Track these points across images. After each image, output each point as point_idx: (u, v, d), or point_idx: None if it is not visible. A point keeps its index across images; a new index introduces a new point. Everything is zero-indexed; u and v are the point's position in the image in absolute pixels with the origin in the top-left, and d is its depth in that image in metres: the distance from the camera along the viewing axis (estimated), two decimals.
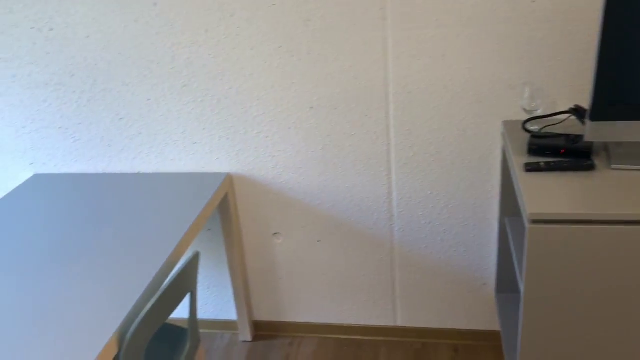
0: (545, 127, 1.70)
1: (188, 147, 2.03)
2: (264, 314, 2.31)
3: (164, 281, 1.52)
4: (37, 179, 2.11)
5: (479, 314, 2.15)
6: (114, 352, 1.29)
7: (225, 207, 2.05)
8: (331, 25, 1.76)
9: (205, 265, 2.25)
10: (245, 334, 2.29)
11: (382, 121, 1.87)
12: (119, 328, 1.31)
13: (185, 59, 1.88)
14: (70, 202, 1.91)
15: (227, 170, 2.05)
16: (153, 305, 1.34)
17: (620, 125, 1.39)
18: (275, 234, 2.14)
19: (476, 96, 1.79)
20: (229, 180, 2.03)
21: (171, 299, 1.42)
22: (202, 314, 2.35)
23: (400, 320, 2.22)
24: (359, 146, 1.93)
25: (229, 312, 2.33)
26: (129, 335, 1.29)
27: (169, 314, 1.43)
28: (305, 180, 2.01)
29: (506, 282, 2.03)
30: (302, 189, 2.03)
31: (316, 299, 2.24)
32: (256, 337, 2.31)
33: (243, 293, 2.20)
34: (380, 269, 2.13)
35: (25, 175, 2.18)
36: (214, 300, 2.32)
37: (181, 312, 2.34)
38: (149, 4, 1.82)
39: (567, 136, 1.56)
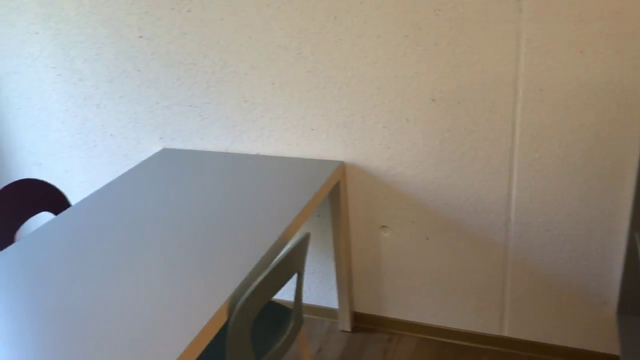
0: None
1: (306, 133, 2.06)
2: (365, 306, 2.30)
3: (274, 258, 1.56)
4: (165, 153, 2.24)
5: (595, 334, 2.00)
6: (223, 319, 1.34)
7: (336, 195, 2.06)
8: (462, 16, 1.71)
9: (311, 250, 2.28)
10: (345, 324, 2.30)
11: (507, 119, 1.79)
12: (230, 297, 1.35)
13: (311, 45, 1.91)
14: (193, 177, 2.02)
15: (342, 159, 2.06)
16: (263, 279, 1.37)
17: None
18: (383, 226, 2.12)
19: (614, 98, 1.66)
20: (342, 169, 2.04)
21: (280, 275, 1.45)
22: (305, 298, 2.39)
23: (507, 330, 2.12)
24: (480, 143, 1.86)
25: (330, 299, 2.35)
26: (239, 305, 1.33)
27: (277, 290, 1.46)
28: (420, 174, 1.97)
29: (631, 303, 1.86)
30: (416, 183, 1.99)
31: (419, 298, 2.19)
32: (355, 329, 2.31)
33: (346, 283, 2.21)
34: (490, 274, 2.04)
35: (155, 148, 2.32)
36: (317, 286, 2.34)
37: (285, 294, 2.39)
38: None
39: None
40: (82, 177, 2.53)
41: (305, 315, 2.41)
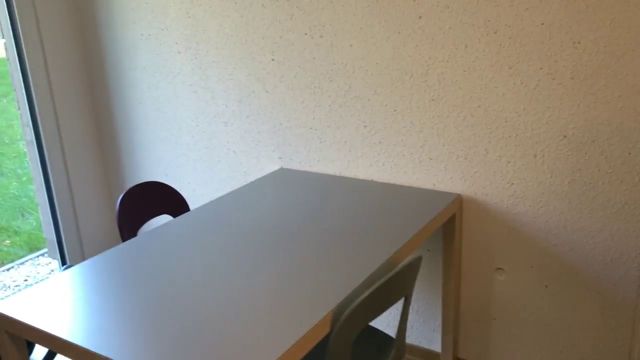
0: None
1: (423, 162, 2.02)
2: (469, 352, 2.16)
3: (381, 279, 1.51)
4: (282, 172, 2.29)
5: None
6: (325, 329, 1.30)
7: (449, 230, 1.98)
8: (604, 49, 1.61)
9: (418, 287, 2.20)
10: None
11: None
12: (335, 309, 1.32)
13: (438, 73, 1.89)
14: (306, 195, 2.03)
15: (459, 191, 1.98)
16: (370, 294, 1.33)
17: None
18: (499, 269, 2.00)
19: None
20: (458, 202, 1.96)
21: (387, 293, 1.40)
22: (406, 338, 2.29)
23: None
24: (615, 187, 1.71)
25: (433, 342, 2.23)
26: (343, 317, 1.29)
27: (382, 310, 1.41)
28: (544, 215, 1.85)
29: None
30: (539, 224, 1.87)
31: (531, 351, 2.02)
32: None
33: (451, 325, 2.09)
34: (616, 336, 1.84)
35: (273, 167, 2.39)
36: (420, 326, 2.24)
37: (387, 328, 2.31)
38: (414, 17, 1.88)
39: None
40: (203, 190, 2.65)
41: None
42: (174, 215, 2.13)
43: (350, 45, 2.03)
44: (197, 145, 2.59)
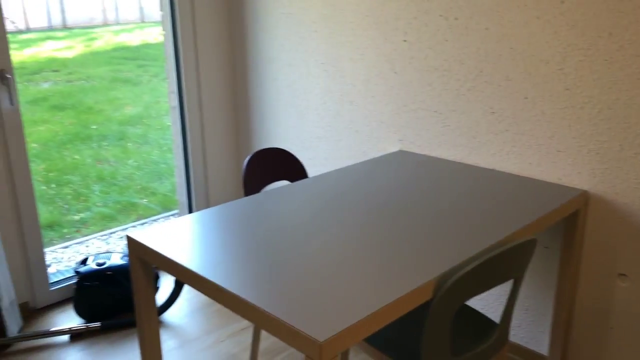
0: None
1: (551, 154, 1.94)
2: None
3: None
4: (401, 155, 2.31)
5: None
6: (427, 295, 1.31)
7: (571, 227, 1.88)
8: None
9: (530, 283, 2.11)
10: None
11: None
12: (439, 276, 1.32)
13: (576, 62, 1.81)
14: (423, 178, 2.04)
15: (586, 187, 1.88)
16: (477, 265, 1.31)
17: None
18: (621, 275, 1.87)
19: None
20: (583, 199, 1.86)
21: (496, 269, 1.37)
22: (512, 336, 2.21)
23: None
24: None
25: (540, 343, 2.14)
26: (447, 284, 1.29)
27: (488, 285, 1.39)
28: None
29: None
30: None
31: None
32: None
33: (563, 329, 1.99)
34: None
35: (392, 149, 2.41)
36: (528, 325, 2.15)
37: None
38: (557, 1, 1.81)
39: None
40: (323, 167, 2.74)
41: (509, 354, 2.23)
42: (293, 181, 2.24)
43: (486, 29, 2.00)
44: (322, 122, 2.68)
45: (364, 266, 1.36)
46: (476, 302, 2.27)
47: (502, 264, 1.38)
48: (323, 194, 1.85)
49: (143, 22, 16.03)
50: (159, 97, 7.87)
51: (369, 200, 1.79)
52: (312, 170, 2.79)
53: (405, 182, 1.96)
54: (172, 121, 3.13)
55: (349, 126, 2.57)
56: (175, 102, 3.05)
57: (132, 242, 1.54)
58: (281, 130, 2.90)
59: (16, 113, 2.38)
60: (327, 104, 2.64)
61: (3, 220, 2.42)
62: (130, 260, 1.59)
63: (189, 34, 2.90)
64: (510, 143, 2.04)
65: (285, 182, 2.65)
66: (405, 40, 2.26)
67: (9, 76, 2.33)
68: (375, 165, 2.17)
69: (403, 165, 2.16)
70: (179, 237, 1.53)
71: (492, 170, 2.08)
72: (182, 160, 3.12)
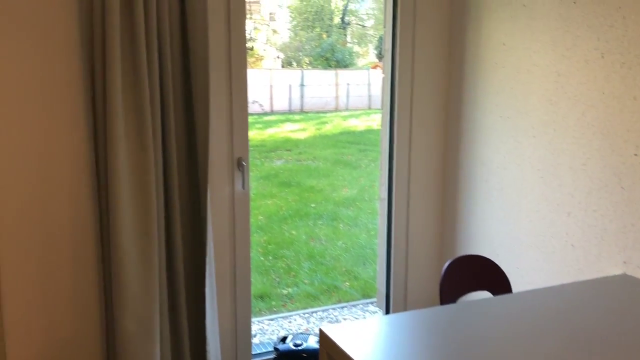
0: None
1: None
2: None
3: None
4: (624, 279, 2.04)
5: None
6: None
7: None
8: None
9: None
10: None
11: None
12: None
13: None
14: None
15: None
16: None
17: None
18: None
19: None
20: None
21: None
22: None
23: None
24: None
25: None
26: None
27: None
28: None
29: None
30: None
31: None
32: None
33: None
34: None
35: (614, 271, 2.15)
36: None
37: None
38: None
39: None
40: (530, 277, 2.55)
41: None
42: (494, 293, 2.12)
43: None
44: (534, 230, 2.52)
45: None
46: None
47: None
48: (526, 315, 1.71)
49: (370, 108, 17.18)
50: (374, 181, 8.23)
51: (579, 332, 1.60)
52: (516, 280, 2.61)
53: (629, 316, 1.72)
54: (379, 212, 3.23)
55: (564, 239, 2.37)
56: (384, 194, 3.15)
57: (324, 336, 1.60)
58: (487, 234, 2.80)
59: (246, 195, 2.70)
60: (541, 212, 2.48)
61: (222, 285, 2.70)
62: (320, 352, 1.64)
63: (405, 128, 3.01)
64: None
65: (485, 293, 2.51)
66: (636, 155, 2.04)
67: (244, 164, 2.66)
68: (592, 288, 1.94)
69: (628, 294, 1.90)
70: (369, 339, 1.55)
71: None
72: (385, 252, 3.18)
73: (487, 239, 2.81)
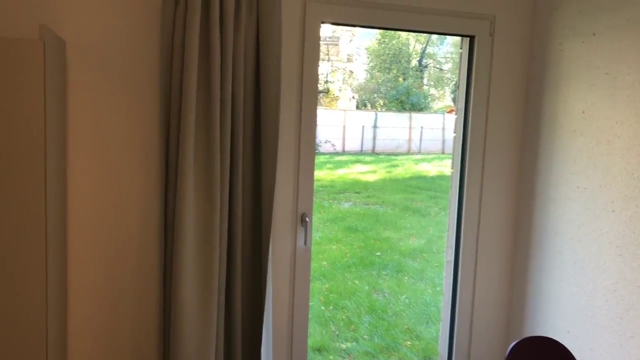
0: None
1: None
2: None
3: None
4: None
5: None
6: None
7: None
8: None
9: None
10: None
11: None
12: None
13: None
14: None
15: None
16: None
17: None
18: None
19: None
20: None
21: None
22: None
23: None
24: None
25: None
26: None
27: None
28: None
29: None
30: None
31: None
32: None
33: None
34: None
35: None
36: None
37: None
38: None
39: None
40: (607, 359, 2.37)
41: None
42: None
43: None
44: (611, 312, 2.34)
45: None
46: None
47: None
48: None
49: (443, 152, 16.91)
50: (444, 231, 8.02)
51: None
52: None
53: None
54: (445, 274, 3.13)
55: None
56: (450, 257, 3.05)
57: None
58: (559, 310, 2.63)
59: (307, 251, 2.69)
60: (619, 292, 2.31)
61: (279, 338, 2.68)
62: None
63: (476, 191, 2.92)
64: None
65: None
66: None
67: (307, 220, 2.66)
68: None
69: None
70: None
71: None
72: (449, 317, 3.06)
73: (558, 314, 2.64)
